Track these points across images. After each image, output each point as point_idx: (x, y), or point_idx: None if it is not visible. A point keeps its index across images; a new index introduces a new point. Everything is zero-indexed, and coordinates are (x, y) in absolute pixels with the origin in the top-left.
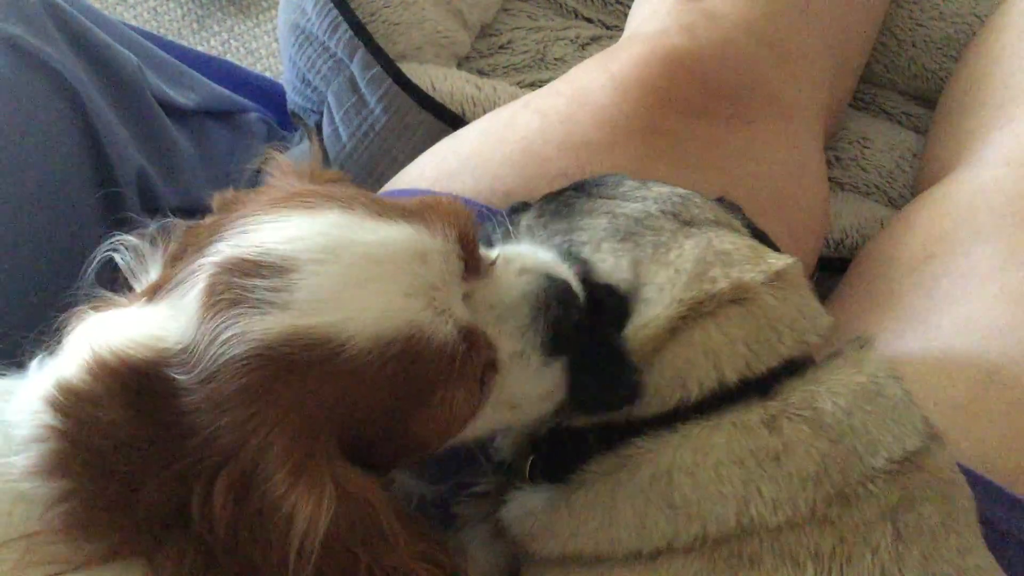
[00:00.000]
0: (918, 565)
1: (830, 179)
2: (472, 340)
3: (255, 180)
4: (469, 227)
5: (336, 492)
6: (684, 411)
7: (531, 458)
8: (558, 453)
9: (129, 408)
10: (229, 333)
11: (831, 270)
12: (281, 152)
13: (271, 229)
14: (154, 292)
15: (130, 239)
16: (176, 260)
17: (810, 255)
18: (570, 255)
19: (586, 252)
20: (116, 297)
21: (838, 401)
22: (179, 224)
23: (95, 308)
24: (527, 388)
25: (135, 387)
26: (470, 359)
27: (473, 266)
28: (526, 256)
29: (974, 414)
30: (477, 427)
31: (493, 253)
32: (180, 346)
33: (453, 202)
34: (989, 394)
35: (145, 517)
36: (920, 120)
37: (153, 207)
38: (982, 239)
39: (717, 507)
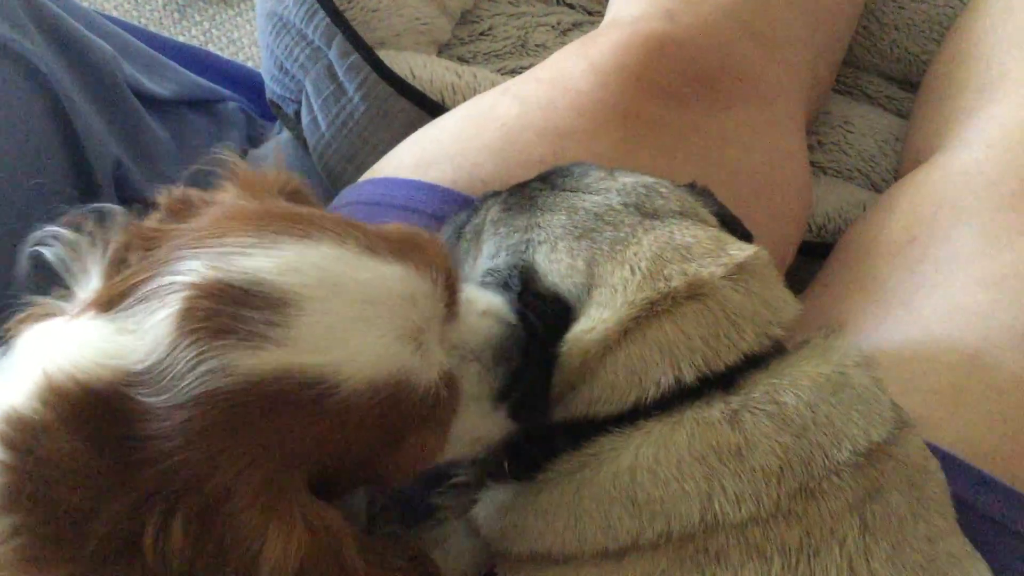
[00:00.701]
0: (886, 555)
1: (812, 163)
2: (451, 386)
3: (203, 179)
4: (453, 270)
5: (306, 529)
6: (645, 409)
7: (505, 460)
8: (527, 452)
9: (82, 436)
10: (214, 364)
11: (813, 255)
12: (238, 149)
13: (262, 256)
14: (107, 304)
15: (63, 233)
16: (122, 264)
17: (792, 240)
18: (520, 262)
19: (542, 252)
20: (56, 303)
21: (801, 394)
22: (117, 214)
23: (36, 317)
24: (477, 428)
25: (90, 413)
26: (447, 405)
27: (451, 312)
28: (481, 300)
29: (955, 399)
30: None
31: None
32: (144, 367)
33: (438, 241)
34: (970, 378)
35: (96, 551)
36: (903, 103)
37: (130, 198)
38: (963, 222)
39: (680, 504)
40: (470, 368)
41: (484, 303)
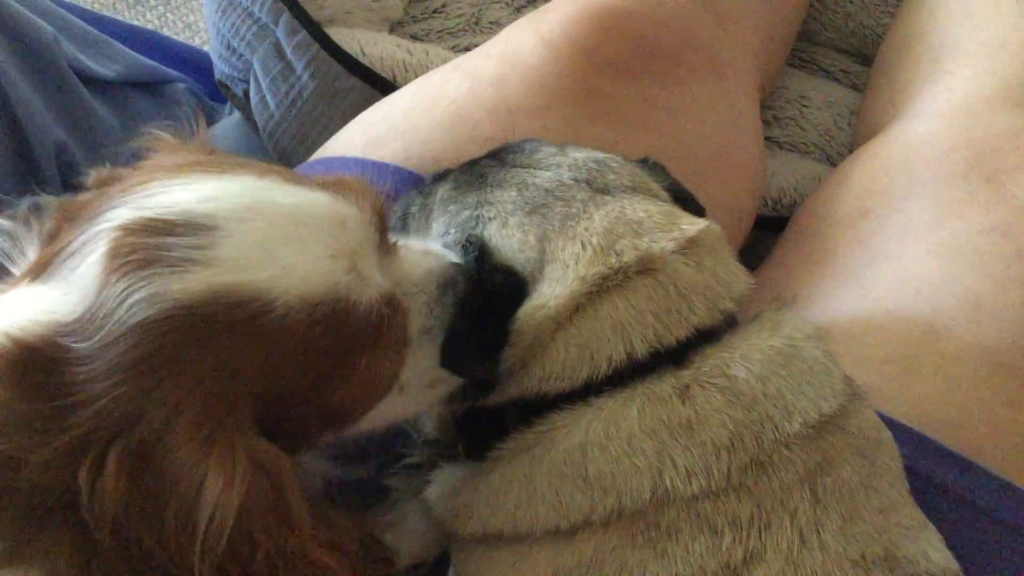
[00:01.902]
0: (837, 527)
1: (769, 138)
2: (394, 306)
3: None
4: (380, 203)
5: (249, 465)
6: (596, 385)
7: (456, 439)
8: (478, 431)
9: (13, 385)
10: (142, 294)
11: (769, 229)
12: (174, 128)
13: (182, 190)
14: (38, 270)
15: (1, 223)
16: (53, 237)
17: (747, 214)
18: (472, 236)
19: (493, 228)
20: None
21: (751, 367)
22: (51, 201)
23: None
24: (427, 368)
25: (23, 365)
26: (394, 324)
27: (386, 245)
28: (420, 244)
29: (908, 369)
30: (385, 412)
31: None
32: (75, 316)
33: (364, 180)
34: (923, 349)
35: (28, 502)
36: (858, 77)
37: (74, 180)
38: (916, 193)
39: (631, 479)
40: (416, 300)
41: (423, 245)
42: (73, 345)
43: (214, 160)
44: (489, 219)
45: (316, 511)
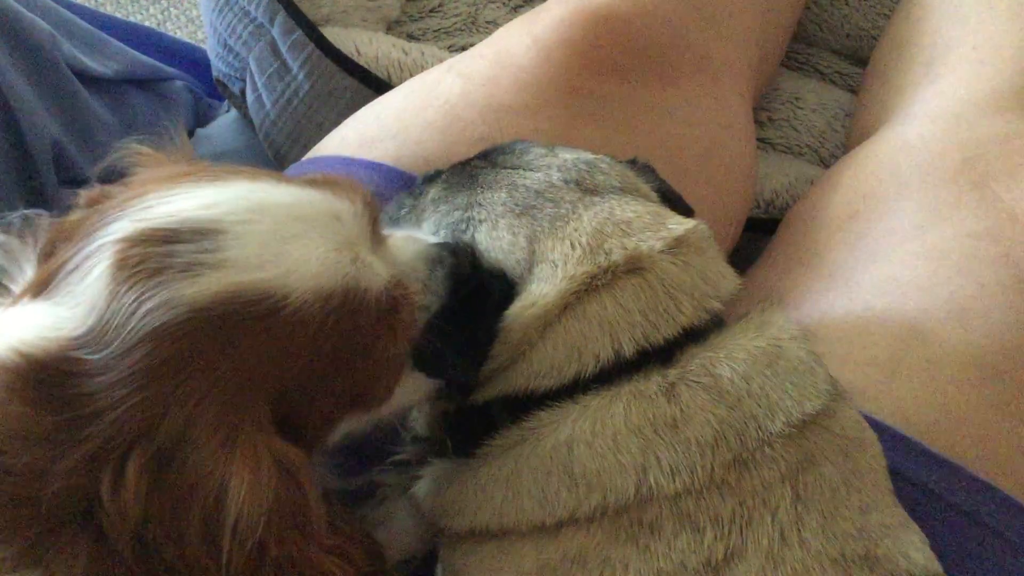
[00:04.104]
0: (817, 525)
1: (762, 139)
2: (403, 288)
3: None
4: (369, 198)
5: (274, 465)
6: (584, 382)
7: (446, 436)
8: (466, 428)
9: (29, 400)
10: (155, 301)
11: (761, 230)
12: (184, 128)
13: (181, 200)
14: (38, 287)
15: None
16: (49, 256)
17: (738, 215)
18: (462, 237)
19: (483, 230)
20: None
21: (736, 367)
22: (42, 217)
23: None
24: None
25: (37, 379)
26: (404, 306)
27: (376, 233)
28: (401, 233)
29: (893, 371)
30: (405, 392)
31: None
32: (85, 328)
33: (350, 177)
34: (909, 351)
35: (48, 513)
36: (853, 79)
37: (70, 178)
38: (905, 197)
39: (616, 477)
40: (412, 281)
41: (404, 233)
42: (86, 357)
43: (203, 169)
44: (479, 221)
45: (328, 516)
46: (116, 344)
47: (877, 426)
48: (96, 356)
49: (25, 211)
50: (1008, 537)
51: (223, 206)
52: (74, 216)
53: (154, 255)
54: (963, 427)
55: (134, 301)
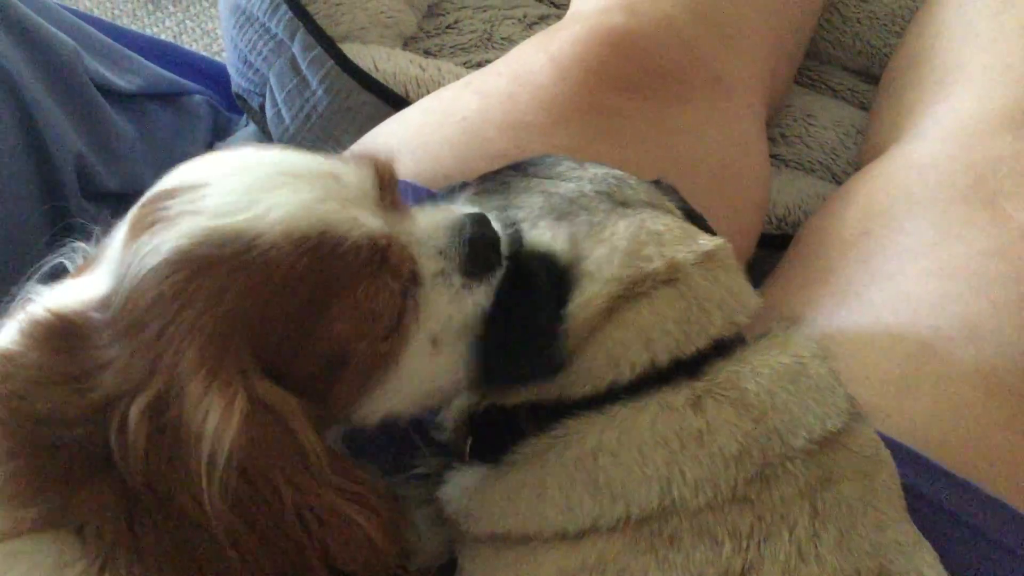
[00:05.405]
0: (834, 542)
1: (774, 156)
2: (389, 242)
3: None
4: (386, 168)
5: (247, 398)
6: (616, 392)
7: (469, 440)
8: (493, 434)
9: (48, 348)
10: (145, 250)
11: (774, 247)
12: (204, 143)
13: (189, 166)
14: (90, 264)
15: (80, 245)
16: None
17: (751, 232)
18: (508, 222)
19: (524, 228)
20: None
21: (761, 381)
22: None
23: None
24: (450, 314)
25: (59, 331)
26: (388, 258)
27: (391, 202)
28: (438, 209)
29: (905, 388)
30: (423, 371)
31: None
32: (108, 289)
33: (370, 152)
34: (920, 368)
35: (67, 460)
36: (865, 97)
37: (93, 192)
38: (917, 215)
39: (641, 488)
40: (425, 247)
41: (440, 209)
42: (98, 315)
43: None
44: (520, 219)
45: (335, 462)
46: (118, 299)
47: (890, 443)
48: (106, 314)
49: (108, 220)
50: (1020, 555)
51: (217, 166)
52: None
53: (152, 211)
54: (975, 444)
55: (131, 254)
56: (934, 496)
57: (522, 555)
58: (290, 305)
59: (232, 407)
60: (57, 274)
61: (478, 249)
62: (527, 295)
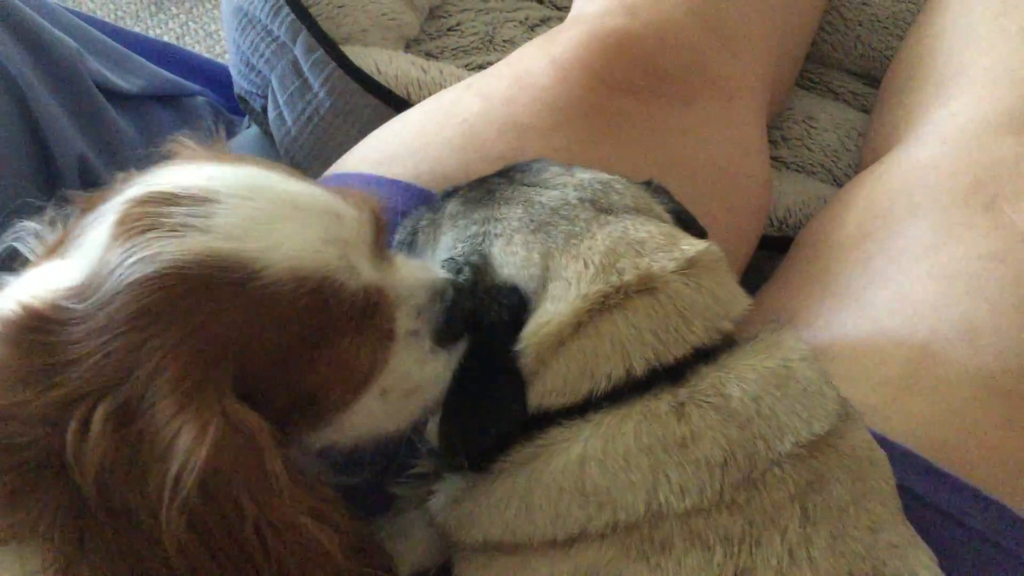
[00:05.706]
0: (826, 545)
1: (775, 159)
2: (381, 298)
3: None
4: (379, 213)
5: (223, 423)
6: (596, 401)
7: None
8: None
9: (14, 344)
10: (140, 255)
11: (774, 249)
12: (222, 136)
13: (187, 171)
14: (56, 249)
15: (31, 225)
16: (77, 223)
17: (751, 234)
18: (477, 252)
19: (499, 245)
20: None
21: (746, 387)
22: (78, 199)
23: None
24: (415, 372)
25: (26, 326)
26: (378, 314)
27: (380, 246)
28: (417, 262)
29: (905, 390)
30: (366, 419)
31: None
32: (79, 280)
33: (369, 194)
34: (920, 371)
35: (28, 460)
36: (867, 99)
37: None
38: (916, 217)
39: (627, 494)
40: (405, 304)
41: (420, 263)
42: (72, 306)
43: (228, 156)
44: (496, 235)
45: (298, 479)
46: (99, 294)
47: (888, 444)
48: (80, 306)
49: (59, 200)
50: (1019, 556)
51: (226, 180)
52: (102, 192)
53: (149, 214)
54: (974, 446)
55: (122, 254)
56: (932, 497)
57: (515, 564)
58: (280, 340)
59: (207, 429)
60: (11, 257)
61: (454, 321)
62: (481, 361)
